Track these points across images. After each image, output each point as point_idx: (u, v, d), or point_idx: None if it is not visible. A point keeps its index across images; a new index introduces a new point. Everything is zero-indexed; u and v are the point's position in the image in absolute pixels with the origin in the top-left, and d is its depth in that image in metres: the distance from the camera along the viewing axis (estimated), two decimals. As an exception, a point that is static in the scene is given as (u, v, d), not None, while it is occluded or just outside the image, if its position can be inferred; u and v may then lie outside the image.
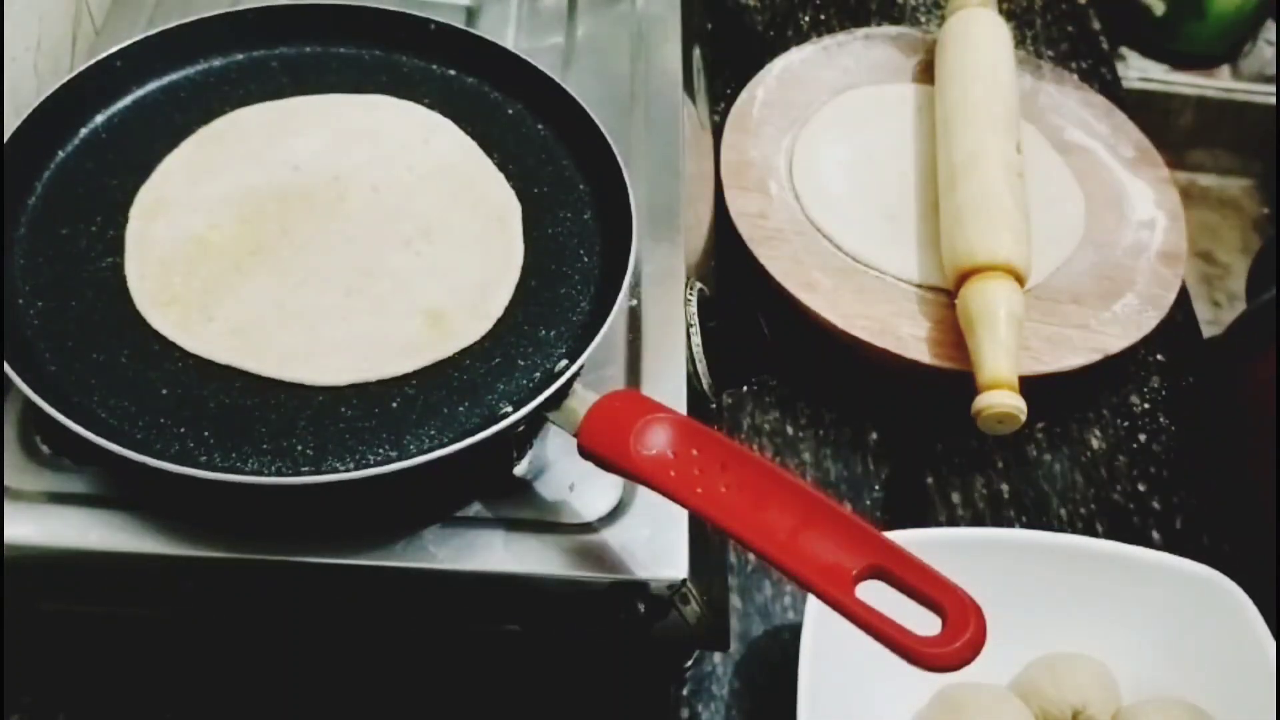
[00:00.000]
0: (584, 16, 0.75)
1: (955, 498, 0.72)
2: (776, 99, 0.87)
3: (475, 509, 0.53)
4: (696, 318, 0.61)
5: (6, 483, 0.52)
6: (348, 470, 0.50)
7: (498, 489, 0.54)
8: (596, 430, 0.49)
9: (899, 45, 0.93)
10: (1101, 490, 0.74)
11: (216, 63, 0.65)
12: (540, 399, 0.50)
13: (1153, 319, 0.77)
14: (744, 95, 0.87)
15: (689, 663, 0.63)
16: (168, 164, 0.60)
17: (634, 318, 0.60)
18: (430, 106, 0.64)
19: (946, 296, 0.75)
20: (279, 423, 0.52)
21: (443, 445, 0.50)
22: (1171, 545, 0.71)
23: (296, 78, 0.65)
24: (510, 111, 0.65)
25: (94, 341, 0.53)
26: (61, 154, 0.60)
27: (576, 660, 0.60)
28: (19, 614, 0.54)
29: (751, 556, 0.64)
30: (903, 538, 0.50)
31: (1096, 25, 1.04)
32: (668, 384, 0.58)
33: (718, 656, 0.64)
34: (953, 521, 0.71)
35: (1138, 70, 2.06)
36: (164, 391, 0.52)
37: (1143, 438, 0.77)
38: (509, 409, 0.52)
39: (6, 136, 0.56)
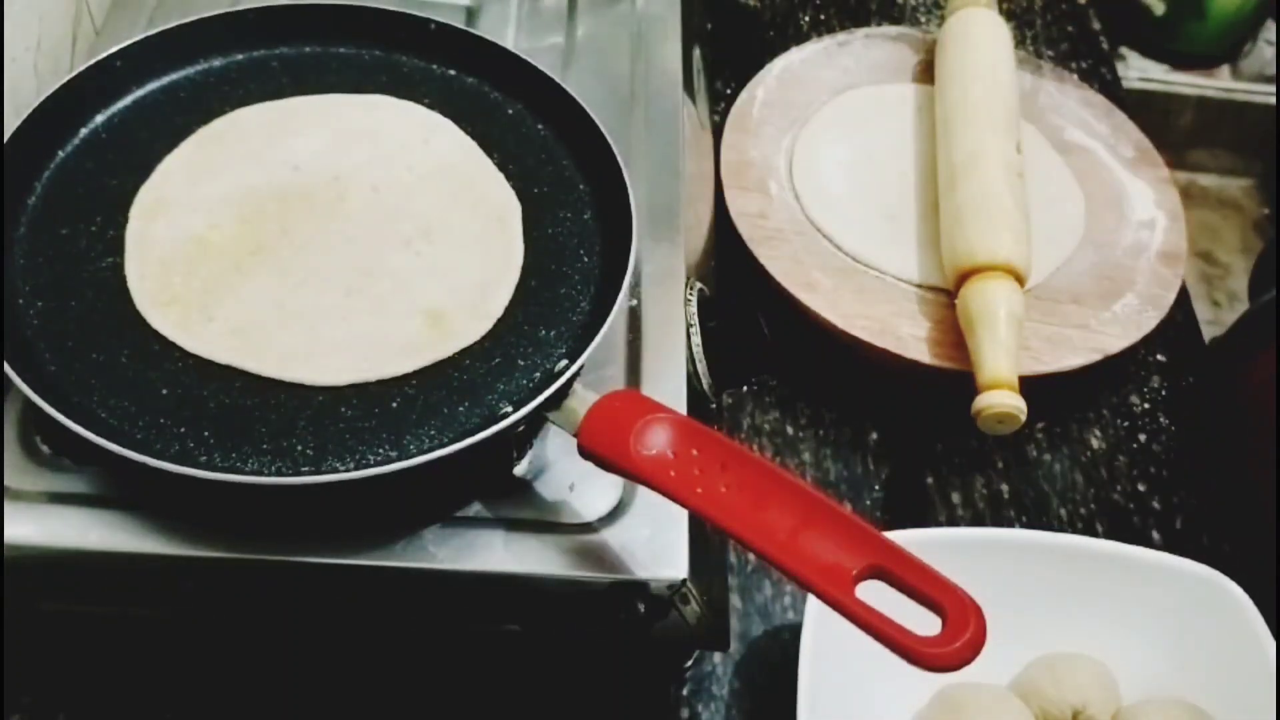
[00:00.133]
0: (584, 16, 0.75)
1: (955, 498, 0.72)
2: (776, 99, 0.87)
3: (475, 509, 0.53)
4: (696, 318, 0.61)
5: (6, 483, 0.52)
6: (348, 470, 0.50)
7: (498, 489, 0.54)
8: (596, 430, 0.49)
9: (899, 45, 0.93)
10: (1101, 490, 0.74)
11: (216, 63, 0.65)
12: (540, 399, 0.50)
13: (1153, 319, 0.77)
14: (744, 95, 0.87)
15: (689, 663, 0.63)
16: (168, 164, 0.60)
17: (634, 318, 0.60)
18: (430, 106, 0.64)
19: (946, 296, 0.75)
20: (279, 423, 0.52)
21: (443, 445, 0.50)
22: (1171, 545, 0.71)
23: (296, 78, 0.65)
24: (510, 111, 0.65)
25: (94, 341, 0.53)
26: (61, 154, 0.60)
27: (576, 660, 0.60)
28: (19, 614, 0.54)
29: (751, 556, 0.64)
30: (903, 538, 0.50)
31: (1096, 25, 1.04)
32: (668, 384, 0.58)
33: (718, 656, 0.64)
34: (953, 521, 0.71)
35: (1138, 70, 2.06)
36: (164, 391, 0.52)
37: (1143, 438, 0.77)
38: (509, 409, 0.52)
39: (6, 136, 0.56)
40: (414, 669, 0.59)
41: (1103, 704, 0.60)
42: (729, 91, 0.89)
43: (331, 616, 0.56)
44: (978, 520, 0.72)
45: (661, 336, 0.60)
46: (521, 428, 0.52)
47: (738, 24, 0.98)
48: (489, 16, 0.75)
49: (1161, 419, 0.78)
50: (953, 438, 0.75)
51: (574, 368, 0.52)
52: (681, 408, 0.56)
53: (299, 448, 0.51)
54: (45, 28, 0.70)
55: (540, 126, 0.64)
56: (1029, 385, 0.67)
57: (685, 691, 0.62)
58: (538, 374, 0.54)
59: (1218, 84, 2.09)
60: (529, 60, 0.64)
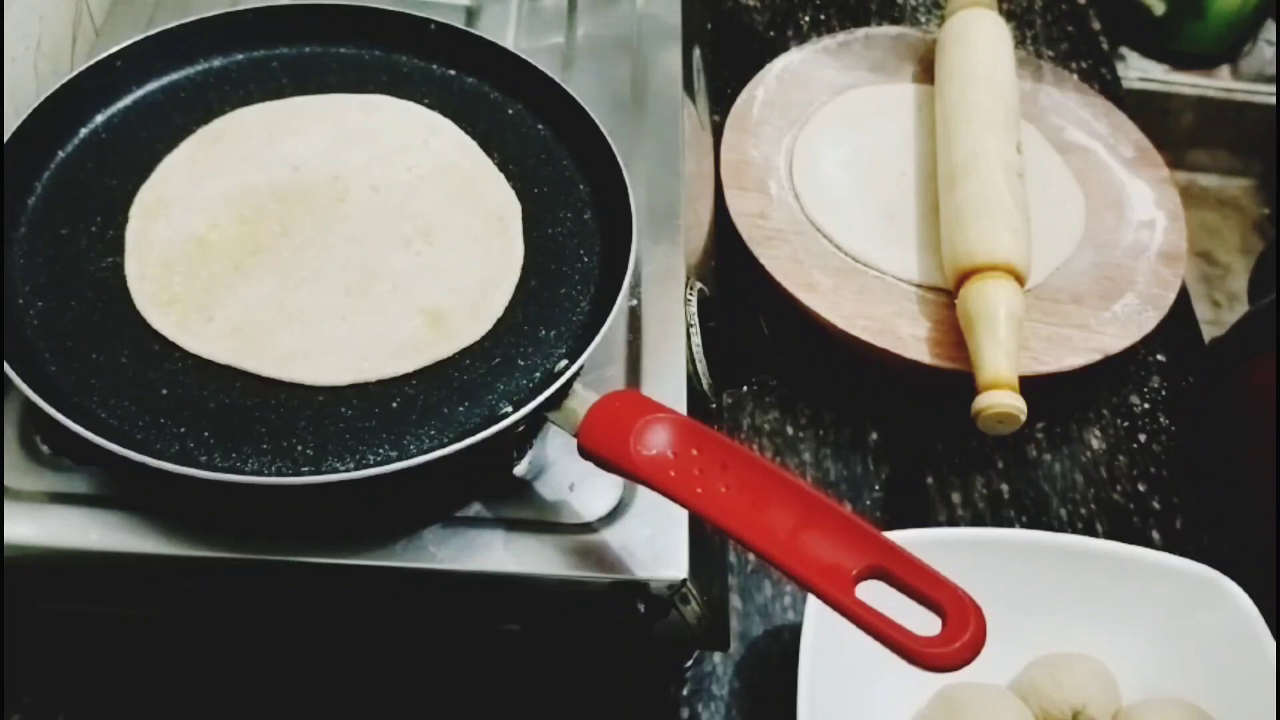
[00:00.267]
0: (584, 16, 0.75)
1: (955, 498, 0.72)
2: (776, 99, 0.87)
3: (475, 509, 0.53)
4: (696, 318, 0.61)
5: (6, 483, 0.52)
6: (348, 470, 0.50)
7: (498, 489, 0.54)
8: (596, 430, 0.49)
9: (899, 45, 0.93)
10: (1101, 490, 0.74)
11: (216, 63, 0.65)
12: (540, 399, 0.50)
13: (1153, 319, 0.77)
14: (744, 95, 0.87)
15: (689, 663, 0.63)
16: (168, 164, 0.60)
17: (634, 318, 0.60)
18: (430, 106, 0.64)
19: (946, 296, 0.75)
20: (279, 423, 0.52)
21: (443, 445, 0.50)
22: (1171, 545, 0.71)
23: (296, 78, 0.65)
24: (510, 111, 0.65)
25: (94, 341, 0.53)
26: (61, 154, 0.60)
27: (576, 660, 0.60)
28: (19, 614, 0.54)
29: (751, 556, 0.64)
30: (903, 538, 0.50)
31: (1096, 25, 1.04)
32: (668, 384, 0.58)
33: (718, 656, 0.64)
34: (953, 521, 0.71)
35: (1138, 70, 2.06)
36: (164, 391, 0.52)
37: (1143, 438, 0.77)
38: (509, 409, 0.52)
39: (6, 136, 0.56)
40: (414, 669, 0.59)
41: (1103, 704, 0.60)
42: (729, 91, 0.89)
43: (332, 616, 0.56)
44: (978, 520, 0.72)
45: (661, 336, 0.60)
46: (521, 428, 0.52)
47: (738, 24, 0.98)
48: (489, 16, 0.75)
49: (1161, 419, 0.78)
50: (953, 438, 0.75)
51: (574, 368, 0.52)
52: (681, 408, 0.56)
53: (299, 448, 0.51)
54: (45, 28, 0.70)
55: (540, 126, 0.64)
56: (1029, 385, 0.67)
57: (685, 691, 0.62)
58: (538, 374, 0.54)
59: (1218, 84, 2.09)
60: (529, 60, 0.64)
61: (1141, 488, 0.74)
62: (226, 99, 0.63)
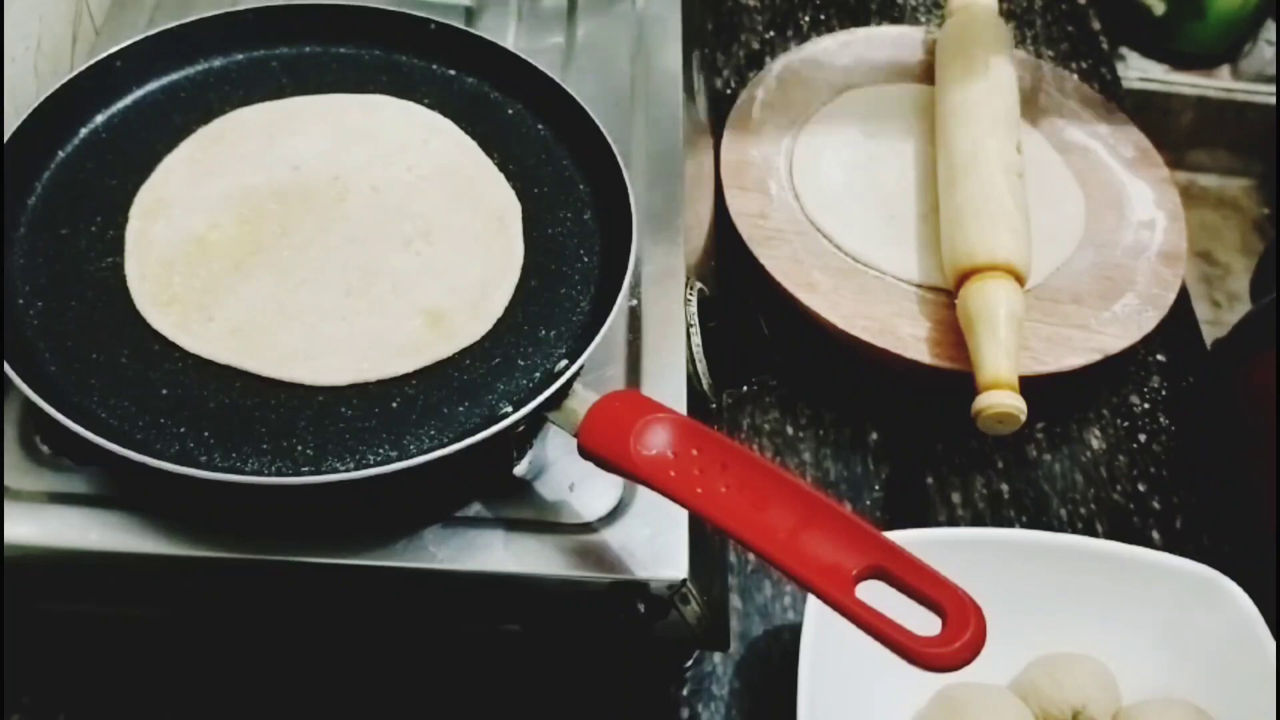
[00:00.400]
0: (584, 16, 0.75)
1: (955, 498, 0.72)
2: (776, 99, 0.87)
3: (475, 509, 0.53)
4: (696, 318, 0.61)
5: (6, 483, 0.52)
6: (348, 470, 0.50)
7: (498, 489, 0.54)
8: (596, 430, 0.49)
9: (899, 45, 0.93)
10: (1101, 490, 0.74)
11: (216, 63, 0.65)
12: (540, 399, 0.50)
13: (1153, 319, 0.77)
14: (744, 95, 0.87)
15: (689, 663, 0.63)
16: (168, 164, 0.60)
17: (634, 318, 0.60)
18: (430, 106, 0.64)
19: (946, 296, 0.75)
20: (279, 423, 0.52)
21: (443, 445, 0.50)
22: (1171, 545, 0.71)
23: (296, 78, 0.65)
24: (510, 111, 0.65)
25: (94, 341, 0.53)
26: (61, 154, 0.60)
27: (576, 660, 0.60)
28: (19, 614, 0.54)
29: (751, 556, 0.64)
30: (903, 538, 0.50)
31: (1096, 25, 1.04)
32: (668, 384, 0.58)
33: (718, 656, 0.64)
34: (953, 521, 0.71)
35: (1138, 70, 2.06)
36: (164, 391, 0.52)
37: (1143, 438, 0.77)
38: (509, 409, 0.52)
39: (6, 136, 0.56)
40: (414, 669, 0.59)
41: (1103, 704, 0.60)
42: (729, 91, 0.89)
43: (332, 616, 0.56)
44: (978, 520, 0.72)
45: (661, 336, 0.60)
46: (521, 428, 0.52)
47: (738, 24, 0.98)
48: (489, 16, 0.75)
49: (1161, 419, 0.78)
50: (953, 438, 0.75)
51: (574, 368, 0.52)
52: (681, 408, 0.56)
53: (299, 448, 0.51)
54: (45, 28, 0.70)
55: (540, 126, 0.64)
56: (1029, 385, 0.67)
57: (685, 691, 0.62)
58: (538, 374, 0.54)
59: (1218, 84, 2.09)
60: (529, 60, 0.64)
61: (1141, 488, 0.74)
62: (226, 99, 0.63)
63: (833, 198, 0.81)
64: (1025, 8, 1.05)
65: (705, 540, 0.55)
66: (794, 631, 0.57)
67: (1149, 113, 2.01)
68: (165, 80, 0.64)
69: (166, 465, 0.48)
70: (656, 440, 0.47)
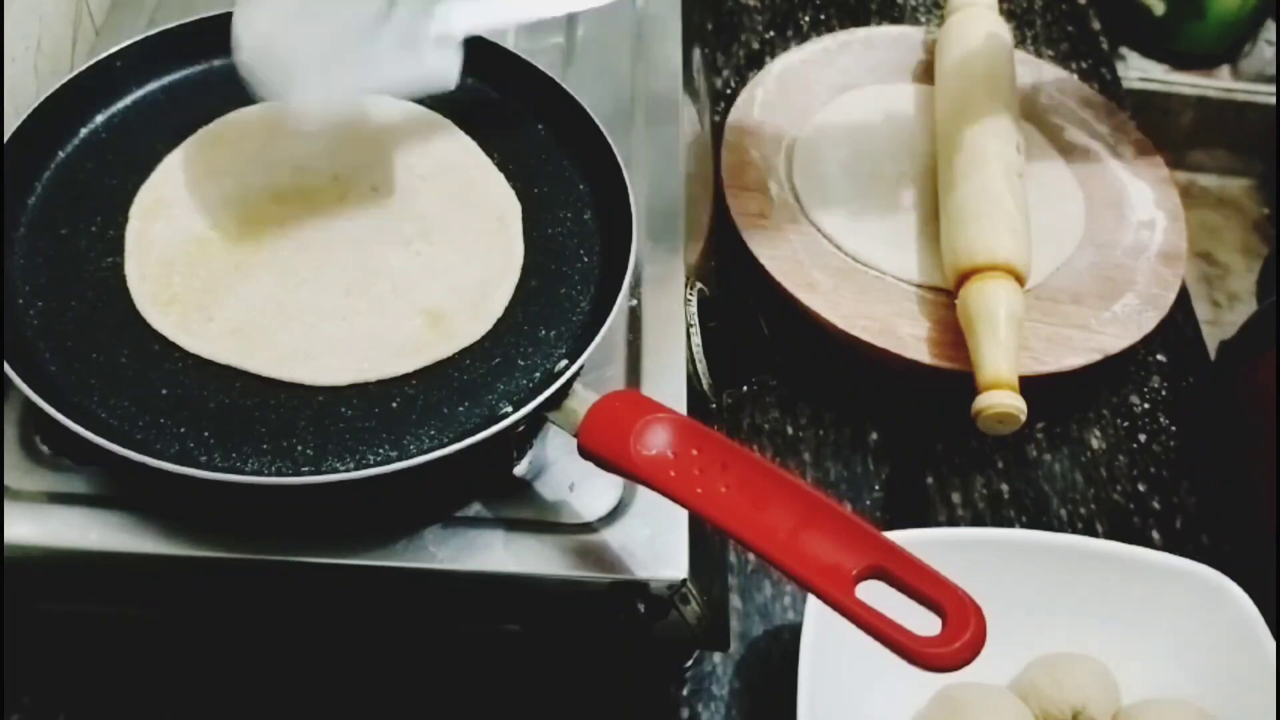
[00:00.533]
0: (584, 16, 0.75)
1: (955, 498, 0.72)
2: (776, 99, 0.87)
3: (475, 509, 0.53)
4: (696, 318, 0.61)
5: (6, 483, 0.52)
6: (348, 470, 0.50)
7: (498, 489, 0.54)
8: (596, 430, 0.49)
9: (899, 45, 0.93)
10: (1101, 490, 0.74)
11: (216, 63, 0.65)
12: (540, 399, 0.50)
13: (1153, 319, 0.77)
14: (744, 95, 0.87)
15: (689, 663, 0.63)
16: (168, 164, 0.60)
17: (634, 318, 0.60)
18: (430, 106, 0.64)
19: (946, 296, 0.75)
20: (279, 423, 0.52)
21: (443, 445, 0.50)
22: (1171, 545, 0.71)
23: (296, 78, 0.65)
24: (510, 111, 0.65)
25: (94, 341, 0.53)
26: (61, 154, 0.60)
27: (576, 660, 0.60)
28: (19, 614, 0.54)
29: (751, 556, 0.64)
30: (903, 538, 0.50)
31: (1096, 25, 1.04)
32: (668, 384, 0.58)
33: (718, 656, 0.64)
34: (953, 521, 0.71)
35: (1138, 70, 2.06)
36: (164, 391, 0.52)
37: (1143, 438, 0.77)
38: (509, 409, 0.52)
39: (6, 136, 0.57)
40: (414, 669, 0.59)
41: (1103, 704, 0.60)
42: (729, 91, 0.90)
43: (332, 617, 0.56)
44: (978, 520, 0.72)
45: (661, 336, 0.60)
46: (521, 428, 0.52)
47: (738, 24, 0.98)
48: (489, 16, 0.75)
49: (1161, 419, 0.78)
50: (953, 438, 0.75)
51: (574, 368, 0.52)
52: (681, 408, 0.56)
53: (299, 448, 0.51)
54: (45, 28, 0.70)
55: (540, 126, 0.64)
56: (1029, 385, 0.67)
57: (685, 691, 0.62)
58: (538, 374, 0.54)
59: (1218, 84, 2.09)
60: (529, 60, 0.64)
61: (1141, 488, 0.74)
62: (226, 99, 0.63)
63: (833, 198, 0.81)
64: (1025, 8, 1.05)
65: (705, 540, 0.55)
66: (794, 631, 0.57)
67: (1149, 113, 2.01)
68: (165, 80, 0.64)
69: (166, 465, 0.48)
70: (656, 440, 0.47)
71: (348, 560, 0.51)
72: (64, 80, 0.60)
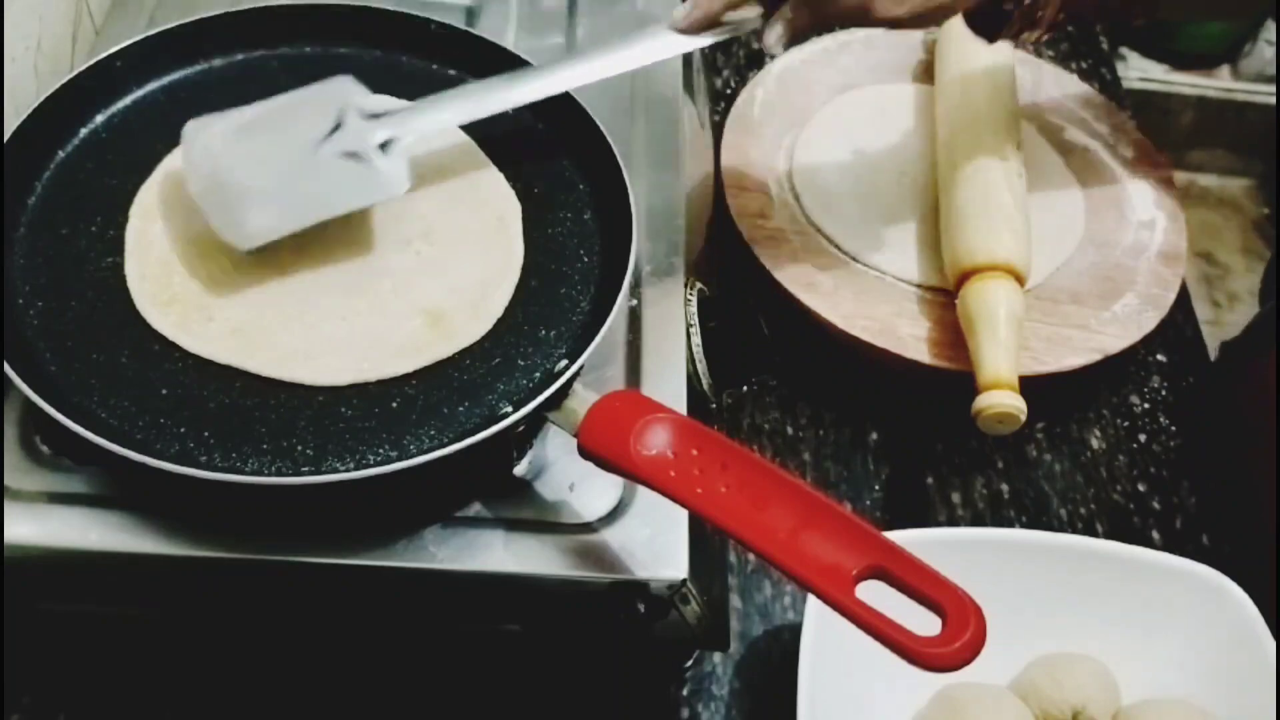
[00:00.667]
0: (584, 16, 0.76)
1: (955, 498, 0.72)
2: (776, 99, 0.87)
3: (475, 509, 0.53)
4: (696, 318, 0.61)
5: (6, 483, 0.52)
6: (348, 470, 0.50)
7: (498, 489, 0.54)
8: (596, 430, 0.49)
9: (899, 45, 0.93)
10: (1101, 490, 0.74)
11: (216, 63, 0.65)
12: (540, 399, 0.50)
13: (1153, 319, 0.77)
14: (744, 95, 0.87)
15: (689, 663, 0.63)
16: (168, 164, 0.60)
17: (634, 318, 0.60)
18: (430, 107, 0.64)
19: (946, 296, 0.75)
20: (279, 423, 0.52)
21: (443, 445, 0.50)
22: (1171, 545, 0.71)
23: (296, 78, 0.65)
24: (510, 112, 0.65)
25: (94, 341, 0.53)
26: (61, 154, 0.60)
27: (576, 660, 0.60)
28: (19, 614, 0.54)
29: (751, 556, 0.64)
30: (903, 538, 0.50)
31: (1096, 25, 1.04)
32: (668, 384, 0.58)
33: (718, 656, 0.64)
34: (953, 521, 0.71)
35: (1138, 70, 2.06)
36: (164, 391, 0.52)
37: (1143, 438, 0.77)
38: (509, 409, 0.52)
39: (6, 136, 0.57)
40: (414, 669, 0.59)
41: (1103, 704, 0.60)
42: (729, 91, 0.89)
43: (332, 617, 0.56)
44: (978, 520, 0.72)
45: (661, 336, 0.60)
46: (521, 428, 0.52)
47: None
48: (489, 16, 0.75)
49: (1161, 419, 0.78)
50: (953, 438, 0.75)
51: (574, 368, 0.52)
52: (681, 408, 0.56)
53: (299, 448, 0.51)
54: (45, 28, 0.70)
55: (540, 126, 0.64)
56: (1029, 385, 0.67)
57: (685, 691, 0.62)
58: (538, 374, 0.54)
59: (1218, 84, 2.09)
60: (529, 60, 0.64)
61: (1141, 488, 0.74)
62: (226, 99, 0.63)
63: (833, 198, 0.81)
64: (1025, 8, 1.05)
65: (705, 540, 0.55)
66: (794, 631, 0.57)
67: (1149, 113, 2.01)
68: (165, 80, 0.64)
69: (166, 465, 0.48)
70: (656, 440, 0.47)
71: (348, 560, 0.51)
72: (64, 80, 0.60)
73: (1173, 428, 0.77)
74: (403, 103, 0.59)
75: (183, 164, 0.57)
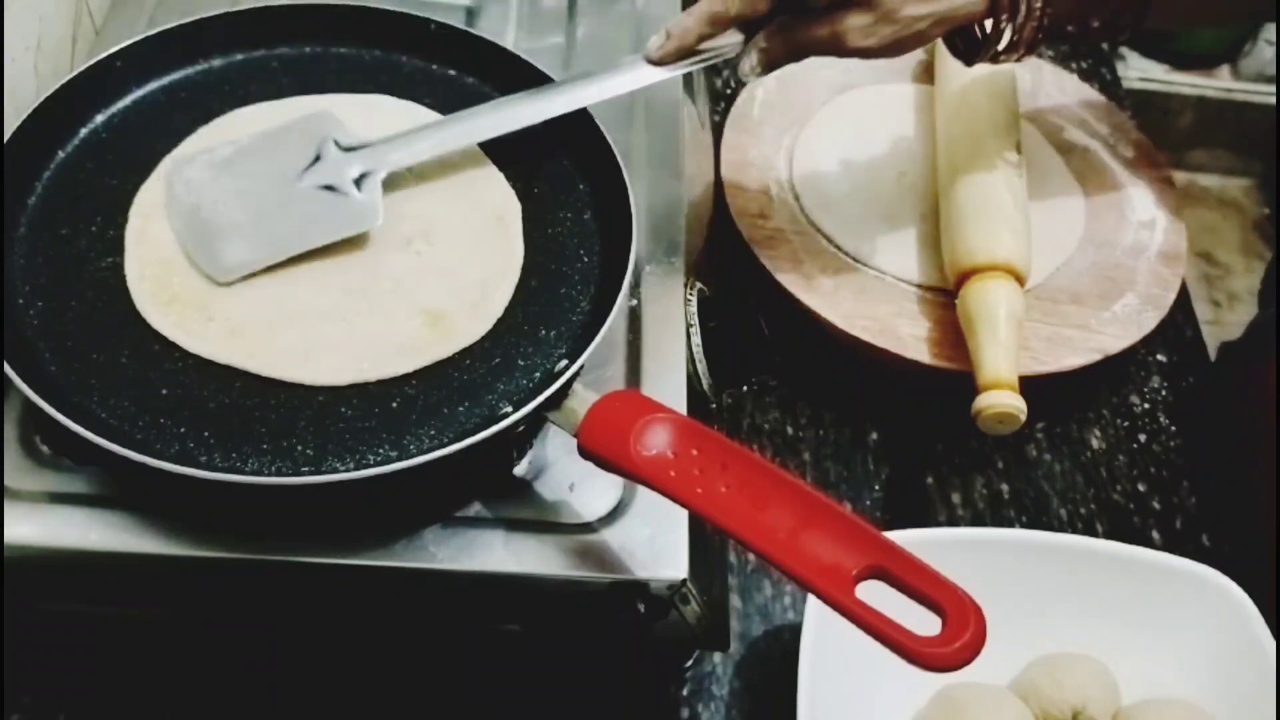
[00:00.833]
0: (584, 16, 0.76)
1: (955, 498, 0.72)
2: (776, 99, 0.87)
3: (475, 509, 0.53)
4: (696, 318, 0.61)
5: (6, 483, 0.52)
6: (348, 470, 0.50)
7: (498, 489, 0.54)
8: (596, 430, 0.49)
9: (899, 45, 0.93)
10: (1101, 490, 0.74)
11: (216, 63, 0.65)
12: (540, 399, 0.50)
13: (1153, 319, 0.77)
14: (744, 95, 0.87)
15: (689, 663, 0.63)
16: (167, 164, 0.60)
17: (634, 318, 0.60)
18: (430, 106, 0.64)
19: (946, 296, 0.75)
20: (279, 423, 0.52)
21: (443, 445, 0.50)
22: (1171, 545, 0.71)
23: (296, 78, 0.65)
24: (510, 111, 0.65)
25: (94, 341, 0.53)
26: (61, 154, 0.60)
27: (576, 660, 0.60)
28: (19, 614, 0.54)
29: (751, 556, 0.64)
30: (903, 538, 0.50)
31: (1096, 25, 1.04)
32: (668, 384, 0.58)
33: (718, 656, 0.64)
34: (953, 521, 0.71)
35: (1138, 70, 2.06)
36: (164, 391, 0.52)
37: (1143, 438, 0.77)
38: (509, 409, 0.52)
39: (6, 136, 0.56)
40: (414, 669, 0.59)
41: (1103, 704, 0.60)
42: (729, 91, 0.90)
43: (332, 616, 0.56)
44: (978, 520, 0.72)
45: (661, 336, 0.60)
46: (521, 428, 0.52)
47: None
48: (489, 16, 0.75)
49: (1161, 419, 0.78)
50: (953, 438, 0.75)
51: (574, 368, 0.52)
52: (681, 408, 0.56)
53: (299, 448, 0.51)
54: (45, 28, 0.70)
55: (541, 126, 0.64)
56: (1029, 385, 0.67)
57: (685, 691, 0.62)
58: (538, 374, 0.54)
59: (1218, 84, 2.09)
60: (529, 60, 0.64)
61: (1141, 488, 0.74)
62: (226, 99, 0.63)
63: (833, 198, 0.81)
64: (1025, 8, 1.05)
65: (705, 540, 0.55)
66: (794, 631, 0.57)
67: (1149, 113, 2.01)
68: (165, 80, 0.64)
69: (166, 465, 0.48)
70: (656, 440, 0.47)
71: (348, 560, 0.51)
72: (64, 80, 0.59)
73: (1173, 428, 0.77)
74: (379, 135, 0.60)
75: (165, 200, 0.58)
